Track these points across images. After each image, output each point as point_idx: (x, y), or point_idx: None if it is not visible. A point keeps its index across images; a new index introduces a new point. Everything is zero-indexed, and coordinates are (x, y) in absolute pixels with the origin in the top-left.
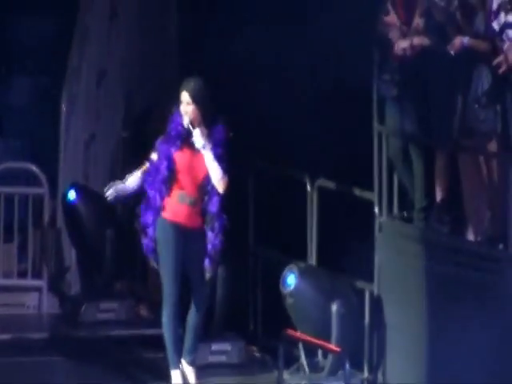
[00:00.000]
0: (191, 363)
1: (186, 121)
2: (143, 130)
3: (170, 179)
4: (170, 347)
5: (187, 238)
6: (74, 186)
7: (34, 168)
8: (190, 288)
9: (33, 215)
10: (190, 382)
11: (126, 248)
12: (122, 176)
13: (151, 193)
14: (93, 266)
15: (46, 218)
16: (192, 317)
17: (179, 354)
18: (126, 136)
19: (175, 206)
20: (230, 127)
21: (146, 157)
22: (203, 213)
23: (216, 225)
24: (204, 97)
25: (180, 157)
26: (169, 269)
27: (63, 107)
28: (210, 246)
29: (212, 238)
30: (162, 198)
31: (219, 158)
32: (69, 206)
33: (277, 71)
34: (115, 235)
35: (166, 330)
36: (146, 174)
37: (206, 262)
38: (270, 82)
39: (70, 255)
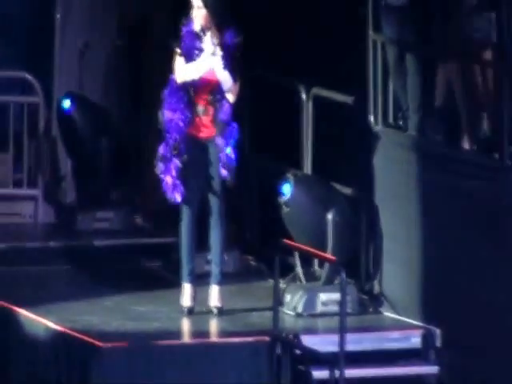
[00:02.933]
0: (217, 283)
1: (197, 26)
2: (137, 39)
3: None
4: (182, 259)
5: (203, 149)
6: (69, 94)
7: (28, 77)
8: (208, 203)
9: (28, 124)
10: (212, 303)
11: (122, 157)
12: (116, 85)
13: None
14: (88, 175)
15: (41, 127)
16: (213, 233)
17: (190, 267)
18: (121, 44)
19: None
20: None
21: (140, 65)
22: (215, 121)
23: (228, 133)
24: (216, 1)
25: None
26: (185, 187)
27: (57, 15)
28: (222, 155)
29: (224, 146)
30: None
31: (229, 66)
32: (64, 115)
33: None
34: (110, 144)
35: (181, 241)
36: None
37: (222, 170)
38: None
39: (66, 164)
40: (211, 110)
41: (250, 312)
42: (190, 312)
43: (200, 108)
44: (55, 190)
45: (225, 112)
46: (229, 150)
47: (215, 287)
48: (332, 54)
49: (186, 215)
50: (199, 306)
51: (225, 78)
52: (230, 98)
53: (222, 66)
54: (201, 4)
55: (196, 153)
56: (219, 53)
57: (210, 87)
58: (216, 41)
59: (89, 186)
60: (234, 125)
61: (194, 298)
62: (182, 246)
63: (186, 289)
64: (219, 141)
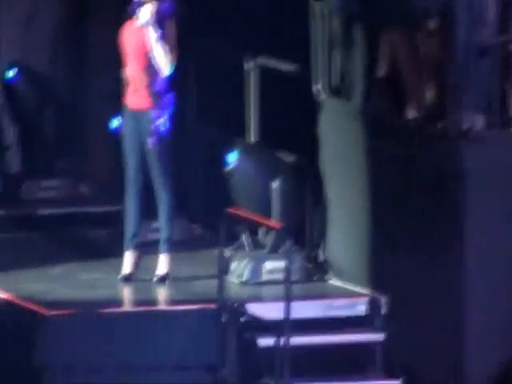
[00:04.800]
0: (163, 251)
1: None
2: (83, 8)
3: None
4: (125, 226)
5: (139, 122)
6: (14, 64)
7: None
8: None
9: None
10: (158, 270)
11: (67, 125)
12: (62, 54)
13: None
14: (33, 144)
15: None
16: (160, 203)
17: (131, 236)
18: (66, 14)
19: (126, 90)
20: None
21: (84, 34)
22: (150, 93)
23: (161, 103)
24: None
25: (127, 35)
26: (127, 157)
27: None
28: (154, 125)
29: (157, 118)
30: None
31: (163, 36)
32: (8, 85)
33: None
34: (56, 113)
35: (125, 210)
36: None
37: (148, 140)
38: None
39: (10, 134)
40: (145, 81)
41: (196, 280)
42: (127, 279)
43: (137, 79)
44: (0, 159)
45: (158, 83)
46: (162, 121)
47: (161, 255)
48: (277, 23)
49: (129, 182)
50: (147, 274)
51: (157, 50)
52: (163, 69)
53: (156, 36)
54: None
55: (132, 124)
56: (153, 23)
57: (142, 57)
58: (154, 10)
59: (34, 155)
60: (170, 95)
61: (135, 264)
62: (125, 213)
63: (126, 256)
64: (153, 113)
